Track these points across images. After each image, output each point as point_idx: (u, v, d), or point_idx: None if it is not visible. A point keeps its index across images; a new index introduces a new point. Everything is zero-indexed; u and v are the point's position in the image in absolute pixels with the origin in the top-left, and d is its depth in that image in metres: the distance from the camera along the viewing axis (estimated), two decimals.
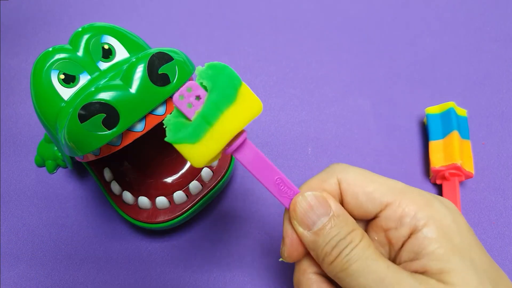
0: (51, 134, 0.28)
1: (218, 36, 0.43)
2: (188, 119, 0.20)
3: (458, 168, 0.32)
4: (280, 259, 0.22)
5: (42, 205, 0.33)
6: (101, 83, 0.24)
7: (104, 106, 0.22)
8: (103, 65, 0.27)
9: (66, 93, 0.26)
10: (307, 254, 0.22)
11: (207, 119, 0.20)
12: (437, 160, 0.33)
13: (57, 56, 0.27)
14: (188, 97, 0.20)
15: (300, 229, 0.21)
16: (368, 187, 0.21)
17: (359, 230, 0.20)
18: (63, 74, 0.26)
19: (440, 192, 0.34)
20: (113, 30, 0.29)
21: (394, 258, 0.21)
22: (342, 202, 0.22)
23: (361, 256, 0.19)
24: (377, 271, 0.18)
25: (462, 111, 0.35)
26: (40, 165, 0.35)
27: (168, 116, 0.20)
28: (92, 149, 0.23)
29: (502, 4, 0.45)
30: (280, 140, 0.36)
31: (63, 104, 0.26)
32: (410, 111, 0.38)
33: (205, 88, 0.20)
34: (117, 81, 0.23)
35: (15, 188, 0.34)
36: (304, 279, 0.22)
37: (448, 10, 0.45)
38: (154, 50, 0.24)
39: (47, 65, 0.27)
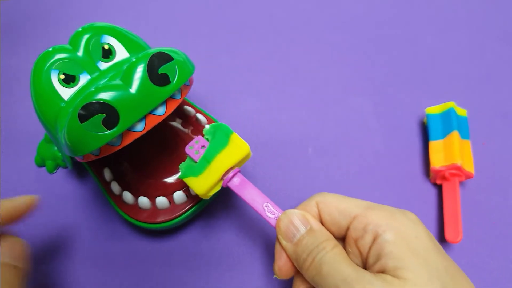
0: (51, 134, 0.28)
1: (218, 36, 0.43)
2: (195, 162, 0.27)
3: (458, 168, 0.32)
4: (274, 276, 0.25)
5: (41, 205, 0.33)
6: (101, 83, 0.24)
7: (104, 106, 0.22)
8: (103, 65, 0.27)
9: (66, 93, 0.26)
10: (298, 272, 0.25)
11: (207, 159, 0.26)
12: (437, 160, 0.33)
13: (57, 56, 0.27)
14: (195, 147, 0.27)
15: (284, 242, 0.24)
16: (341, 205, 0.24)
17: (332, 241, 0.23)
18: (63, 74, 0.26)
19: (440, 192, 0.34)
20: (113, 30, 0.28)
21: (365, 265, 0.23)
22: (321, 222, 0.25)
23: (330, 260, 0.22)
24: (343, 272, 0.21)
25: (462, 111, 0.35)
26: (40, 165, 0.35)
27: (183, 162, 0.27)
28: (92, 149, 0.23)
29: (503, 2, 0.45)
30: (280, 140, 0.36)
31: (63, 104, 0.26)
32: (410, 111, 0.38)
33: (207, 140, 0.27)
34: (117, 81, 0.23)
35: (15, 188, 0.34)
36: None
37: (449, 9, 0.45)
38: (154, 50, 0.24)
39: (47, 65, 0.27)
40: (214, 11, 0.45)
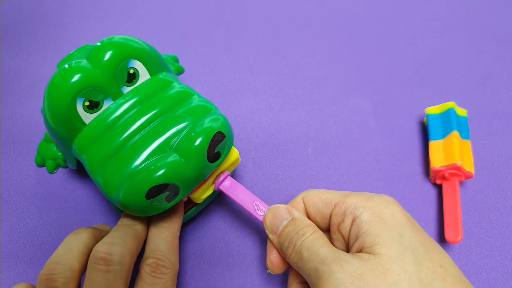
0: (62, 146, 0.28)
1: (218, 36, 0.43)
2: None
3: (458, 168, 0.32)
4: (268, 271, 0.26)
5: (42, 205, 0.33)
6: (163, 160, 0.24)
7: (171, 187, 0.24)
8: (126, 89, 0.27)
9: (88, 118, 0.26)
10: (291, 267, 0.26)
11: None
12: (437, 160, 0.33)
13: (81, 80, 0.25)
14: None
15: (271, 236, 0.26)
16: (323, 196, 0.26)
17: (312, 227, 0.24)
18: (88, 101, 0.26)
19: (440, 192, 0.34)
20: (140, 53, 0.28)
21: (347, 249, 0.24)
22: (307, 215, 0.26)
23: (310, 245, 0.23)
24: (322, 254, 0.22)
25: (462, 111, 0.35)
26: (40, 165, 0.35)
27: None
28: (146, 215, 0.25)
29: (502, 3, 0.45)
30: (280, 140, 0.37)
31: (84, 127, 0.26)
32: (410, 111, 0.38)
33: None
34: (176, 157, 0.24)
35: (15, 188, 0.34)
36: None
37: (448, 10, 0.45)
38: (210, 120, 0.25)
39: (73, 92, 0.25)
40: (214, 11, 0.45)
